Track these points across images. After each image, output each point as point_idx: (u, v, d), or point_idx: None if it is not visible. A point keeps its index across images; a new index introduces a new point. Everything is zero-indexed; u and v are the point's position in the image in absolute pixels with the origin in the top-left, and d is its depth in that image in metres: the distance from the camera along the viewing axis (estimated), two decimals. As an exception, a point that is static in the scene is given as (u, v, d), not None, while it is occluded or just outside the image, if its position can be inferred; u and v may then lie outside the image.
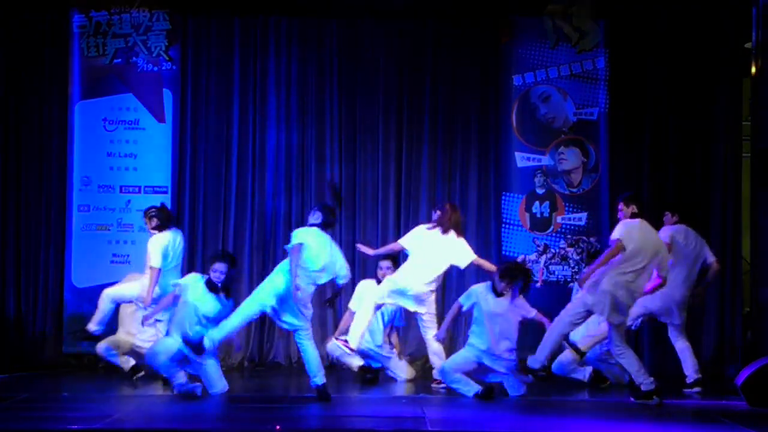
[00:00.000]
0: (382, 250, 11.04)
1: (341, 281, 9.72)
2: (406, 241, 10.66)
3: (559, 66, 12.34)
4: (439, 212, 10.61)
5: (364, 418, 8.74)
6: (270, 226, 12.48)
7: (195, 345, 9.29)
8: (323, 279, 9.57)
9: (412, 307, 10.51)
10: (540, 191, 12.28)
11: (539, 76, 12.36)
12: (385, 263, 10.91)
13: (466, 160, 12.53)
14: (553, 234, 12.19)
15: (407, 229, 12.37)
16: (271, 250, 12.38)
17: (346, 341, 10.49)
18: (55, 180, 12.38)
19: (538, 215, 12.21)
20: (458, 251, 10.55)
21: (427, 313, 10.53)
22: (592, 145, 12.28)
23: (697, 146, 12.17)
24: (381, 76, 12.53)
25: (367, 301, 10.54)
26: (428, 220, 12.33)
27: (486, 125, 12.54)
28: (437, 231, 10.51)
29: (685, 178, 12.14)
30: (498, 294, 9.91)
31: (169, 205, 12.21)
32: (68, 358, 11.11)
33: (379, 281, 10.84)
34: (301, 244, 9.35)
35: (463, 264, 10.62)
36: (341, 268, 9.63)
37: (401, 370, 11.04)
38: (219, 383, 9.72)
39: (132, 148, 12.37)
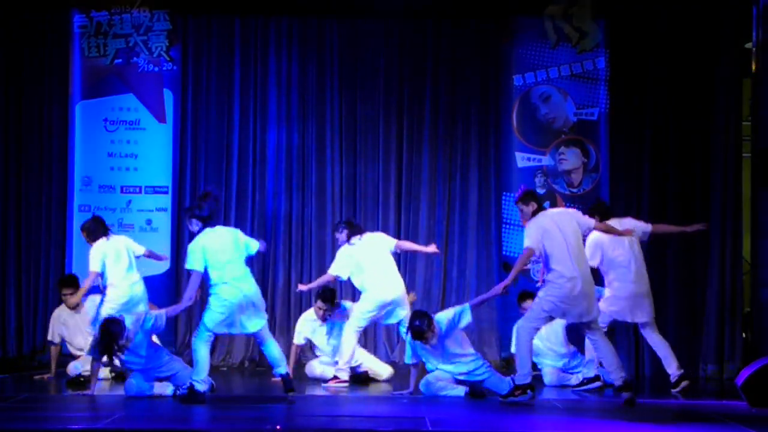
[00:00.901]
0: (315, 283, 11.05)
1: (253, 251, 9.56)
2: (339, 269, 10.76)
3: (559, 66, 12.33)
4: (345, 231, 10.80)
5: (364, 418, 8.74)
6: (270, 225, 12.50)
7: (192, 398, 9.18)
8: (237, 268, 9.35)
9: (395, 318, 10.72)
10: (540, 191, 12.27)
11: (540, 77, 12.36)
12: (322, 305, 10.89)
13: (466, 160, 12.54)
14: (554, 234, 12.16)
15: (407, 229, 12.47)
16: (272, 249, 12.39)
17: (336, 378, 10.61)
18: (55, 180, 12.40)
19: (539, 215, 12.18)
20: (383, 240, 10.88)
21: (406, 312, 10.70)
22: (593, 146, 12.28)
23: (697, 146, 12.16)
24: (381, 76, 12.54)
25: (348, 332, 10.67)
26: (428, 220, 12.44)
27: (486, 125, 12.55)
28: (357, 241, 10.74)
29: (685, 178, 12.14)
30: (427, 343, 9.78)
31: (169, 205, 12.29)
32: (68, 358, 11.09)
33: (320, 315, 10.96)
34: (198, 272, 9.22)
35: (393, 245, 10.85)
36: (247, 246, 9.49)
37: (381, 369, 11.07)
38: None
39: (133, 148, 12.38)
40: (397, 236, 12.40)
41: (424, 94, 12.58)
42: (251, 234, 12.36)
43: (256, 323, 9.39)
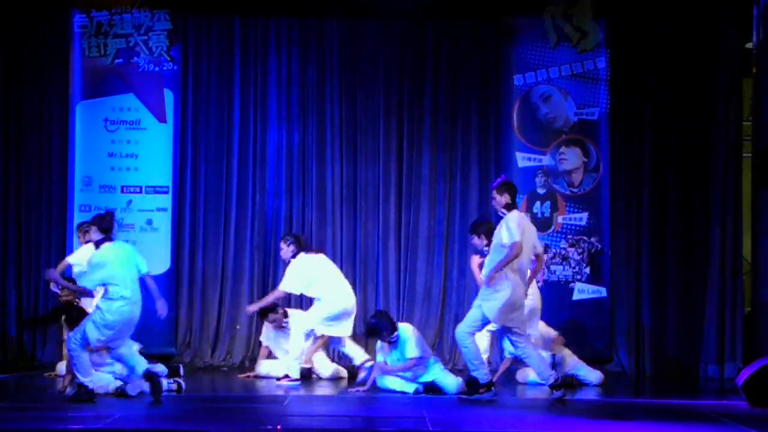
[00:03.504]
0: (264, 301, 11.23)
1: (145, 270, 9.46)
2: (291, 284, 10.98)
3: (559, 66, 12.32)
4: (292, 245, 11.05)
5: (364, 418, 8.74)
6: (270, 225, 12.50)
7: (81, 397, 9.16)
8: (130, 286, 9.29)
9: (348, 330, 11.00)
10: (541, 191, 12.27)
11: (540, 76, 12.35)
12: (275, 317, 11.18)
13: (466, 160, 12.53)
14: (554, 234, 12.19)
15: (407, 229, 12.46)
16: (272, 250, 12.39)
17: (287, 376, 10.77)
18: (56, 180, 12.39)
19: (539, 215, 12.19)
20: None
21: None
22: (593, 145, 12.27)
23: (697, 146, 12.16)
24: (381, 76, 12.53)
25: (298, 332, 10.87)
26: (429, 220, 12.44)
27: (487, 125, 12.54)
28: (313, 256, 11.08)
29: (685, 178, 12.13)
30: (384, 341, 10.21)
31: (170, 205, 12.29)
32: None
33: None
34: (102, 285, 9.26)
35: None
36: (138, 265, 9.41)
37: (326, 369, 11.18)
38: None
39: (133, 148, 12.37)
40: (398, 236, 12.46)
41: (424, 94, 12.57)
42: (251, 234, 12.47)
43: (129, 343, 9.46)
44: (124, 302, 9.19)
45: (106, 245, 9.34)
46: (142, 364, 9.29)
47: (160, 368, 9.97)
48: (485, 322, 9.50)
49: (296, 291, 11.08)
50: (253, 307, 11.29)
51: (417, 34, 12.55)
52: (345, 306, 10.96)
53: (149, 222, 12.24)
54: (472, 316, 9.50)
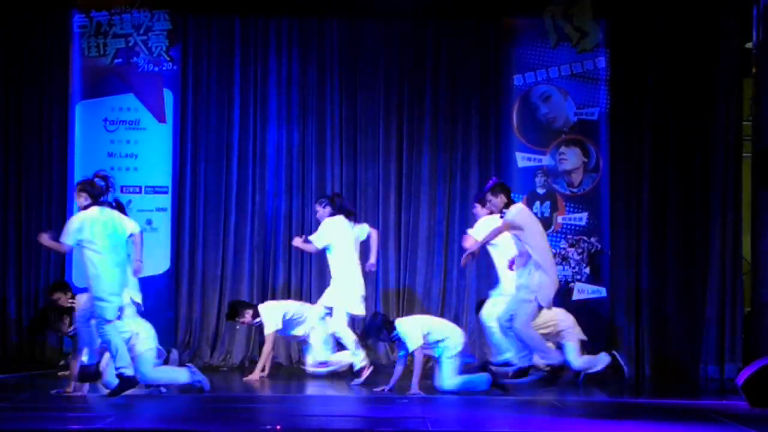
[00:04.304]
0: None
1: (134, 231, 9.33)
2: (324, 240, 10.89)
3: (559, 66, 12.32)
4: (328, 206, 10.98)
5: (364, 418, 8.74)
6: (270, 226, 12.50)
7: (126, 386, 9.16)
8: (120, 254, 9.24)
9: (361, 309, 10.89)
10: (540, 191, 12.28)
11: (540, 76, 12.35)
12: (248, 312, 11.08)
13: (466, 160, 12.54)
14: (554, 234, 12.18)
15: (407, 229, 12.47)
16: (271, 249, 12.41)
17: (362, 369, 10.64)
18: (55, 180, 12.40)
19: (539, 215, 12.16)
20: (361, 229, 11.10)
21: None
22: (593, 145, 12.27)
23: (697, 146, 12.16)
24: (381, 76, 12.54)
25: (341, 330, 10.80)
26: (429, 220, 12.44)
27: (486, 125, 12.55)
28: (345, 220, 10.94)
29: (685, 178, 12.14)
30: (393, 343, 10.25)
31: (170, 205, 12.29)
32: (68, 357, 11.08)
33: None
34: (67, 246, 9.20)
35: (365, 235, 11.07)
36: (125, 227, 9.27)
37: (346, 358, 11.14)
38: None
39: (133, 148, 12.38)
40: (398, 236, 12.46)
41: (424, 94, 12.58)
42: (251, 234, 12.46)
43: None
44: (99, 257, 9.09)
45: (87, 210, 9.16)
46: (124, 359, 9.12)
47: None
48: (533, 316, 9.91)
49: (319, 246, 10.92)
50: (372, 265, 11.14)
51: (417, 34, 12.56)
52: (356, 282, 10.87)
53: (149, 222, 12.23)
54: (509, 309, 9.92)
